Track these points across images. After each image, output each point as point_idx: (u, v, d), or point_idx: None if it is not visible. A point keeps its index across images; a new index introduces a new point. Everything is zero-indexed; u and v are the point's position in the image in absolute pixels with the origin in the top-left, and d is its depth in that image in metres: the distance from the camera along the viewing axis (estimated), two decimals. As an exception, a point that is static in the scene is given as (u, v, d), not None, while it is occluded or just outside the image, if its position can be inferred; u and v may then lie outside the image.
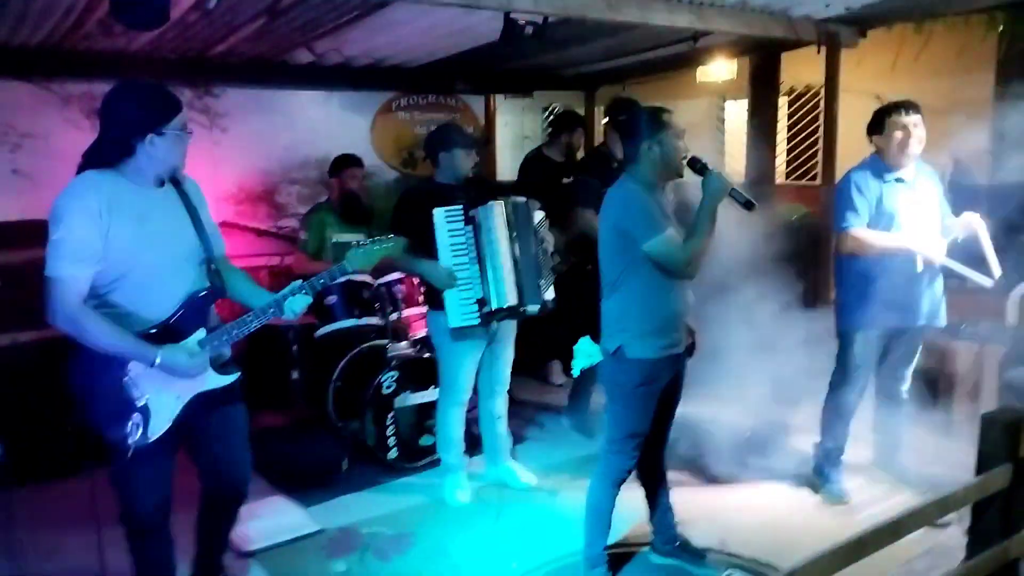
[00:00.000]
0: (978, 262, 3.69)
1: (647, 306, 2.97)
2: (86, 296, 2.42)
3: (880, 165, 3.73)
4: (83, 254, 2.38)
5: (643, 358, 2.98)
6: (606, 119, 4.81)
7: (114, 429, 2.52)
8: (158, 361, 2.48)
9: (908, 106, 3.66)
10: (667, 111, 3.01)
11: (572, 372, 3.39)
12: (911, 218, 3.66)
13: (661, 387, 3.05)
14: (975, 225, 3.65)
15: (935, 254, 3.64)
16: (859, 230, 3.67)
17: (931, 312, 3.76)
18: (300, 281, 2.77)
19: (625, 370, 3.01)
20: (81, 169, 2.50)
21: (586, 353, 3.30)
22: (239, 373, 2.77)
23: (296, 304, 2.75)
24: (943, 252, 3.66)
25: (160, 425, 2.58)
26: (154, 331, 2.53)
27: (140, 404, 2.54)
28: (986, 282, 3.62)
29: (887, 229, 3.66)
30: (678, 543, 3.38)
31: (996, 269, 3.64)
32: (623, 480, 3.14)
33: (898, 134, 3.64)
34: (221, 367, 2.71)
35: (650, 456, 3.28)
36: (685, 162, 2.96)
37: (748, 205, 2.92)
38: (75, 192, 2.42)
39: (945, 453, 4.18)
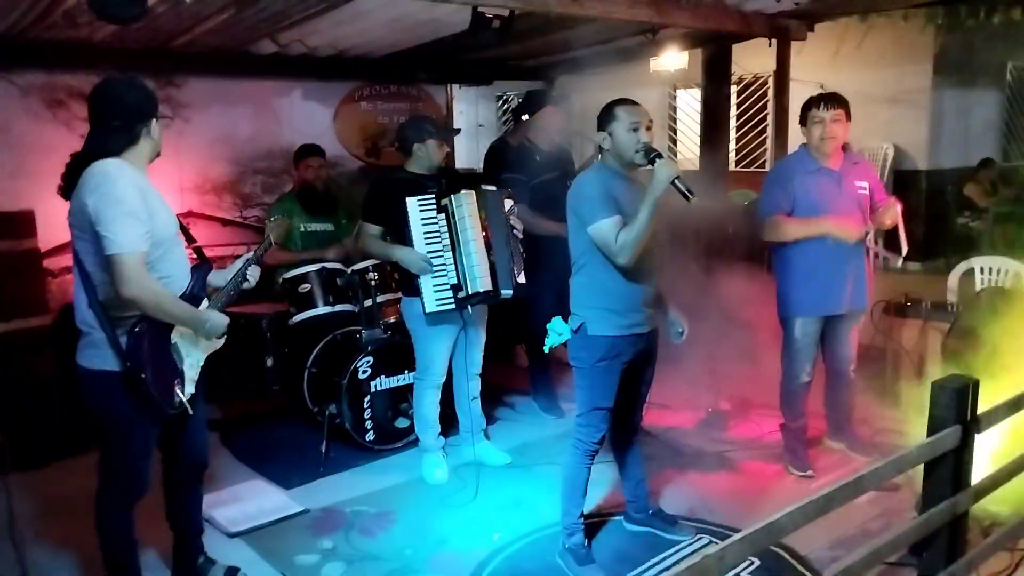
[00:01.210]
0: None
1: (606, 285, 3.12)
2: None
3: (806, 156, 3.89)
4: (143, 229, 2.57)
5: (602, 335, 3.14)
6: (524, 114, 4.96)
7: (165, 394, 2.70)
8: (208, 324, 2.76)
9: (828, 100, 3.79)
10: (622, 103, 3.14)
11: (543, 349, 3.54)
12: (834, 206, 3.80)
13: (623, 363, 3.19)
14: (892, 206, 3.86)
15: (850, 234, 3.78)
16: (777, 217, 3.85)
17: (856, 296, 3.94)
18: (251, 253, 3.13)
19: (586, 346, 3.17)
20: (85, 158, 2.63)
21: (556, 331, 3.44)
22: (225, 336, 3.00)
23: (252, 274, 3.09)
24: (860, 234, 3.82)
25: (190, 388, 2.81)
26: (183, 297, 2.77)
27: (179, 368, 2.77)
28: (897, 258, 3.89)
29: (809, 216, 3.82)
30: (651, 511, 3.56)
31: (904, 246, 3.90)
32: (594, 452, 3.28)
33: (817, 127, 3.79)
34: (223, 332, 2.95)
35: (621, 430, 3.45)
36: (640, 152, 3.05)
37: (687, 196, 2.97)
38: (121, 175, 2.58)
39: (893, 423, 4.46)
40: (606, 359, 3.15)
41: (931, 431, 2.46)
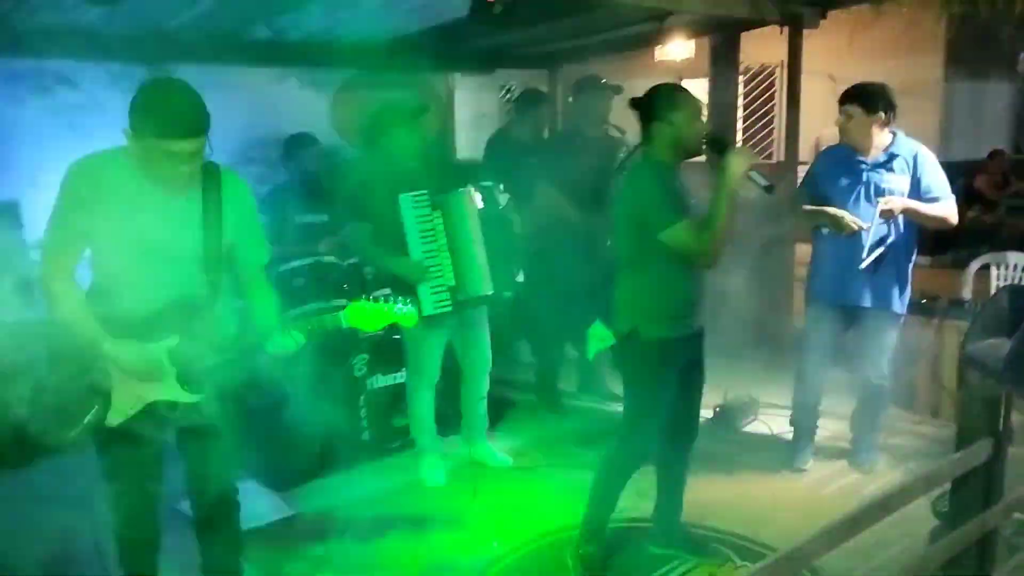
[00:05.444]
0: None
1: (662, 289, 2.92)
2: (72, 270, 2.43)
3: (843, 146, 3.84)
4: (66, 231, 2.40)
5: (658, 338, 2.94)
6: (571, 97, 4.83)
7: (78, 408, 2.45)
8: (104, 348, 2.42)
9: (845, 94, 3.75)
10: (682, 90, 2.95)
11: (588, 355, 3.38)
12: (847, 196, 3.72)
13: (678, 369, 3.01)
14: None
15: (841, 226, 3.63)
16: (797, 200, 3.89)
17: (878, 295, 3.78)
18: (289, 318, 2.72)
19: (640, 352, 2.98)
20: None
21: (599, 337, 3.30)
22: (203, 395, 2.57)
23: (285, 343, 2.62)
24: (854, 227, 3.62)
25: (117, 416, 2.50)
26: (131, 325, 2.46)
27: (103, 388, 2.46)
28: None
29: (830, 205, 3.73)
30: (677, 538, 3.33)
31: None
32: (638, 465, 3.12)
33: (838, 119, 3.77)
34: (188, 384, 2.55)
35: (668, 447, 3.21)
36: (704, 142, 2.87)
37: (768, 189, 2.81)
38: (72, 169, 2.39)
39: (905, 425, 4.32)
40: (662, 365, 2.96)
41: (960, 443, 2.30)
